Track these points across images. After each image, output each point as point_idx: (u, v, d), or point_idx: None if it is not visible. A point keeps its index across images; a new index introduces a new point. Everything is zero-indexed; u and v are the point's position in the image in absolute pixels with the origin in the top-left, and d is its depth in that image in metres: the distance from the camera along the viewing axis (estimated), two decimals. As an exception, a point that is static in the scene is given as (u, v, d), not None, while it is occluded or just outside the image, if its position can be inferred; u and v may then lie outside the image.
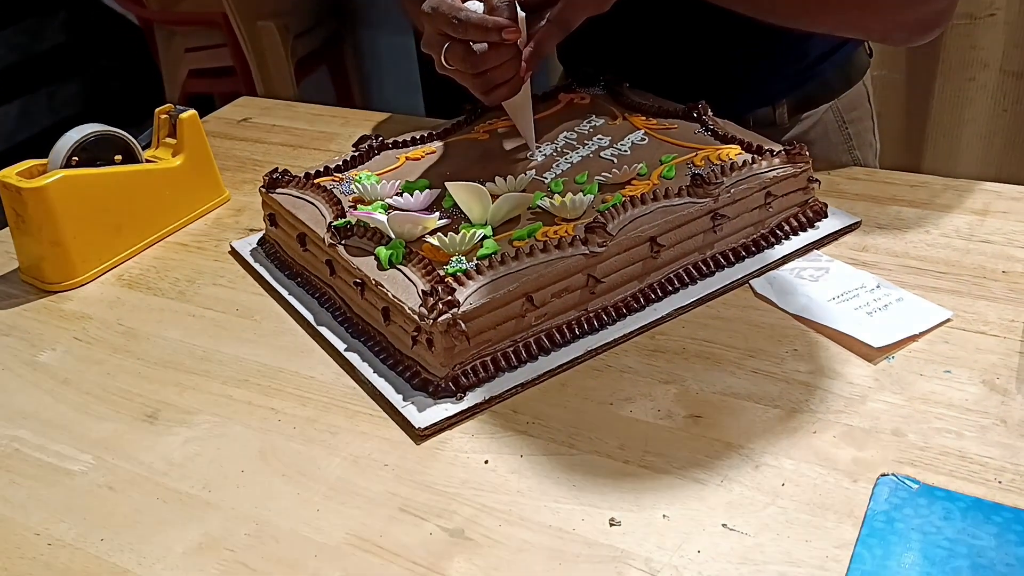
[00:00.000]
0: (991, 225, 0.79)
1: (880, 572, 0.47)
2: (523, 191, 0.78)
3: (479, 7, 0.73)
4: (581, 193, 0.75)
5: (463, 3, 0.74)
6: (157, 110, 0.95)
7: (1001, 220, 0.80)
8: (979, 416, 0.61)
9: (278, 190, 0.83)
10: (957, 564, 0.47)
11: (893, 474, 0.54)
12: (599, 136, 0.86)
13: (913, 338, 0.67)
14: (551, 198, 0.75)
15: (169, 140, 0.95)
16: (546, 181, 0.80)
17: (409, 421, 0.64)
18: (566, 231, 0.72)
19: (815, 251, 0.78)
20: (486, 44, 0.73)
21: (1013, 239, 0.77)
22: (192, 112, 0.94)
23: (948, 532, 0.48)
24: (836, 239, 0.79)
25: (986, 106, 1.65)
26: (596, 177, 0.78)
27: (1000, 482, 0.55)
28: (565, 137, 0.87)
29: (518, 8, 0.74)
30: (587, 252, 0.69)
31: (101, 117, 0.97)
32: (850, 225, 0.80)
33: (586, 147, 0.84)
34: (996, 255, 0.75)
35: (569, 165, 0.82)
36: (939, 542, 0.48)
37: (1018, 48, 1.58)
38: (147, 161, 0.92)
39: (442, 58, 0.75)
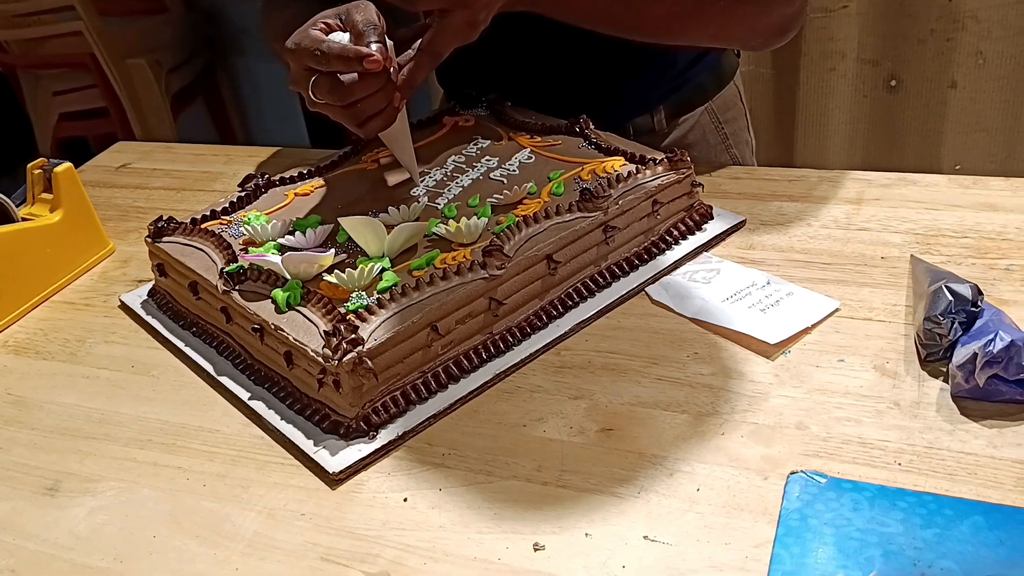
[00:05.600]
0: (866, 213, 0.83)
1: (799, 571, 0.49)
2: (417, 219, 0.78)
3: (344, 38, 0.73)
4: (475, 217, 0.75)
5: (327, 35, 0.73)
6: (30, 165, 0.92)
7: (875, 207, 0.83)
8: (874, 401, 0.63)
9: (165, 239, 0.81)
10: (870, 553, 0.49)
11: (802, 471, 0.56)
12: (487, 157, 0.86)
13: (806, 331, 0.70)
14: (446, 224, 0.75)
15: (45, 195, 0.92)
16: (439, 207, 0.80)
17: (322, 466, 0.63)
18: (464, 256, 0.72)
19: (705, 253, 0.80)
20: (354, 75, 0.73)
21: (887, 225, 0.81)
22: (67, 165, 0.91)
23: (858, 523, 0.50)
24: (724, 239, 0.82)
25: (848, 93, 1.73)
26: (488, 199, 0.79)
27: (899, 464, 0.58)
28: (453, 161, 0.87)
29: (386, 39, 0.74)
30: (487, 276, 0.69)
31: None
32: (735, 225, 0.83)
33: (475, 169, 0.85)
34: (874, 242, 0.79)
35: (460, 189, 0.82)
36: (851, 534, 0.50)
37: (871, 37, 1.67)
38: (23, 219, 0.89)
39: (310, 93, 0.74)
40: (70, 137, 2.58)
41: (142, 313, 0.83)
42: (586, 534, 0.57)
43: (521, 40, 0.92)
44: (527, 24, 0.86)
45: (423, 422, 0.66)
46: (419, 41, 0.77)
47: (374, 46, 0.71)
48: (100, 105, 2.49)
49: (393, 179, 0.86)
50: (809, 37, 1.68)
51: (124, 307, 0.85)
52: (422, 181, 0.84)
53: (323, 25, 0.74)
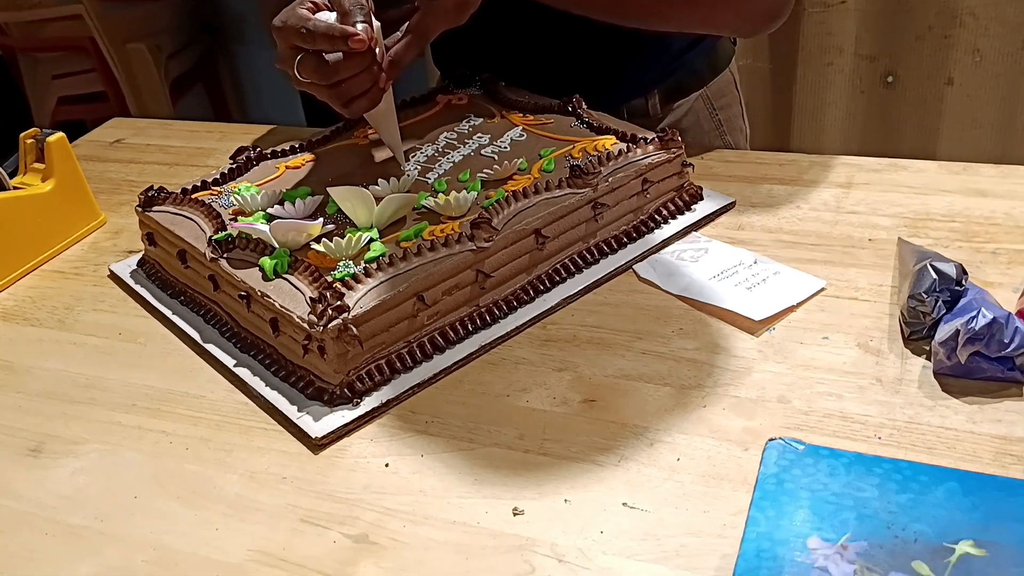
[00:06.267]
0: (855, 196, 0.83)
1: (774, 532, 0.49)
2: (407, 192, 0.78)
3: (331, 17, 0.73)
4: (465, 191, 0.75)
5: (313, 15, 0.73)
6: (22, 135, 0.92)
7: (864, 191, 0.84)
8: (856, 377, 0.63)
9: (155, 208, 0.81)
10: (844, 516, 0.49)
11: (780, 438, 0.56)
12: (479, 135, 0.86)
13: (791, 309, 0.70)
14: (435, 197, 0.75)
15: (37, 165, 0.92)
16: (429, 181, 0.80)
17: (305, 432, 0.64)
18: (452, 229, 0.72)
19: (693, 233, 0.80)
20: (339, 55, 0.73)
21: (876, 208, 0.81)
22: (60, 135, 0.91)
23: (834, 487, 0.51)
24: (713, 220, 0.82)
25: (845, 88, 1.73)
26: (478, 174, 0.79)
27: (879, 438, 0.58)
28: (445, 137, 0.87)
29: (373, 19, 0.74)
30: (474, 248, 0.70)
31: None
32: (725, 206, 0.83)
33: (467, 146, 0.85)
34: (862, 224, 0.79)
35: (451, 164, 0.82)
36: (827, 498, 0.50)
37: (868, 32, 1.67)
38: (15, 188, 0.89)
39: (295, 71, 0.74)
40: (69, 120, 2.57)
41: (131, 282, 0.83)
42: (565, 500, 0.57)
43: (516, 23, 0.93)
44: (522, 7, 0.86)
45: (407, 390, 0.67)
46: (407, 23, 0.77)
47: (359, 26, 0.72)
48: (99, 89, 2.49)
49: (380, 156, 0.86)
50: (807, 32, 1.69)
51: (113, 276, 0.86)
52: (413, 156, 0.84)
53: (311, 4, 0.75)
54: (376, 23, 0.74)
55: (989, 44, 1.60)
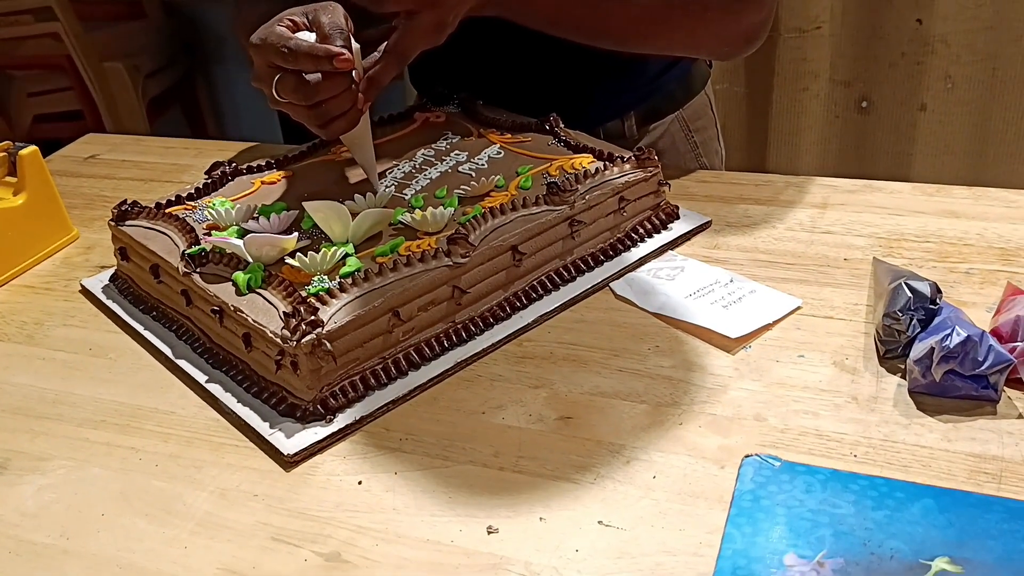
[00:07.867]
0: (831, 217, 0.84)
1: (750, 549, 0.49)
2: (383, 207, 0.78)
3: (310, 38, 0.73)
4: (442, 207, 0.75)
5: (293, 33, 0.73)
6: (-7, 148, 0.91)
7: (839, 212, 0.84)
8: (832, 395, 0.63)
9: (128, 222, 0.80)
10: (821, 533, 0.49)
11: (757, 455, 0.56)
12: (456, 152, 0.86)
13: (767, 327, 0.70)
14: (412, 213, 0.75)
15: (9, 179, 0.91)
16: (406, 197, 0.80)
17: (277, 449, 0.63)
18: (429, 244, 0.72)
19: (670, 251, 0.80)
20: (319, 75, 0.72)
21: (851, 228, 0.81)
22: (33, 148, 0.90)
23: (810, 504, 0.50)
24: (689, 239, 0.82)
25: (820, 113, 1.74)
26: (455, 191, 0.79)
27: (855, 455, 0.58)
28: (423, 155, 0.87)
29: (352, 40, 0.73)
30: (451, 264, 0.69)
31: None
32: (701, 225, 0.83)
33: (444, 163, 0.85)
34: (837, 244, 0.80)
35: (428, 181, 0.82)
36: (803, 514, 0.50)
37: (843, 58, 1.69)
38: (-16, 202, 0.88)
39: (273, 90, 0.73)
40: (44, 139, 2.55)
41: (103, 297, 0.82)
42: (540, 518, 0.56)
43: (494, 43, 0.93)
44: (499, 29, 0.86)
45: (381, 407, 0.66)
46: (385, 43, 0.77)
47: (340, 45, 0.71)
48: (75, 108, 2.47)
49: (355, 176, 0.85)
50: (782, 57, 1.70)
51: (85, 292, 0.85)
52: (390, 173, 0.84)
53: (289, 22, 0.74)
54: (355, 44, 0.74)
55: (960, 71, 1.62)
